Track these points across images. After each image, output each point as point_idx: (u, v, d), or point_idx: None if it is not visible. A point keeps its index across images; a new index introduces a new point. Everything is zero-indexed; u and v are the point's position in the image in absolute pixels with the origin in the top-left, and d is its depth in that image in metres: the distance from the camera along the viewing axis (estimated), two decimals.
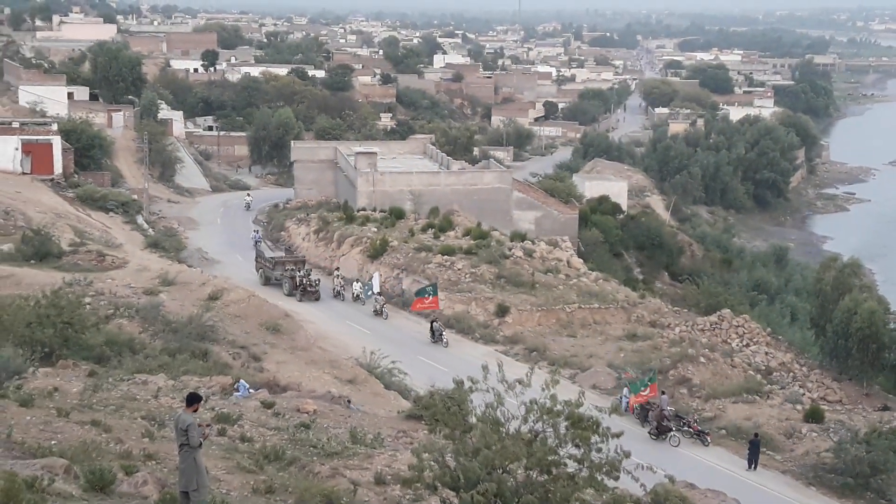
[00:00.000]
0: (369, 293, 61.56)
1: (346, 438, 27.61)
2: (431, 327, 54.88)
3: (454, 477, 18.67)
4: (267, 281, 63.95)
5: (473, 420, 19.55)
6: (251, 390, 34.45)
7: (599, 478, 18.86)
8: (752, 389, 47.02)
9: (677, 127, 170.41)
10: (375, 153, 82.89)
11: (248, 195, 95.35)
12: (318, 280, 63.66)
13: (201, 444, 14.95)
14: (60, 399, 26.70)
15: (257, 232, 78.44)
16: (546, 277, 63.73)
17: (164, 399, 28.73)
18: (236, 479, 20.49)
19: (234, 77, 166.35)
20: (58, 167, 74.42)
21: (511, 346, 53.99)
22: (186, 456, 14.30)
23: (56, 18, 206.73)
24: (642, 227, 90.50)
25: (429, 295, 57.48)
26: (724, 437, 42.74)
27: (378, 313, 59.32)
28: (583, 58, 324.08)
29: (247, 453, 23.82)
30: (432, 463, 19.41)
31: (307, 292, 61.77)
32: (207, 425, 15.90)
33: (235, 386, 34.34)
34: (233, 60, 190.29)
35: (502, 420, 19.12)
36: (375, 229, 71.75)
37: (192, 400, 14.80)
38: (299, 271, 63.05)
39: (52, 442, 20.24)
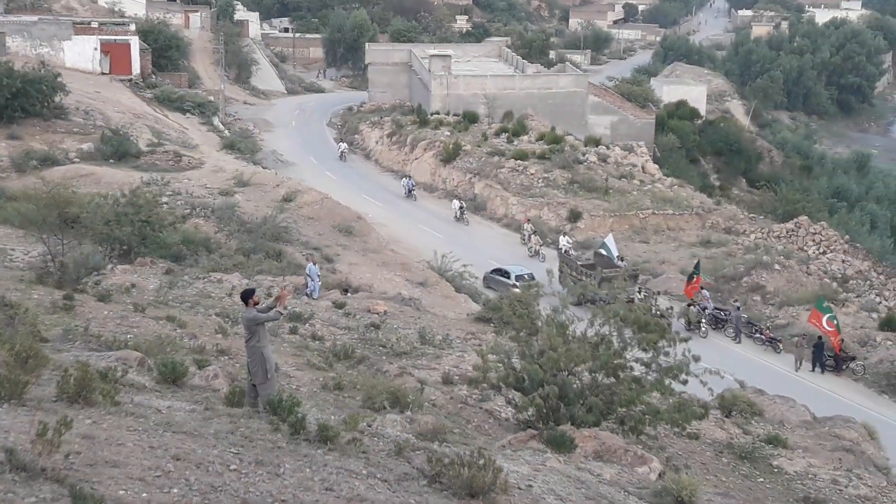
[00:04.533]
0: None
1: (415, 339, 27.94)
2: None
3: (519, 378, 18.84)
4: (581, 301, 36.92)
5: (540, 323, 19.62)
6: (318, 275, 34.79)
7: (666, 382, 18.90)
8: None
9: (761, 30, 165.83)
10: (450, 56, 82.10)
11: (408, 178, 67.40)
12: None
13: (282, 313, 15.16)
14: (137, 295, 27.34)
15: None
16: (620, 183, 63.06)
17: (238, 297, 29.21)
18: (306, 375, 20.87)
19: None
20: (136, 67, 75.05)
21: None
22: (254, 350, 14.54)
23: None
24: (721, 133, 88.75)
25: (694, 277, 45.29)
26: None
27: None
28: None
29: (317, 351, 24.26)
30: (498, 364, 19.58)
31: None
32: (284, 287, 16.12)
33: (307, 270, 34.79)
34: None
35: (568, 323, 19.16)
36: (449, 133, 71.42)
37: (246, 296, 14.95)
38: (639, 291, 44.07)
39: (129, 336, 20.73)
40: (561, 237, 52.97)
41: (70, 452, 9.69)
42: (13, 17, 76.28)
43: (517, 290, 42.21)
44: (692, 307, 42.49)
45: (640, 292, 43.85)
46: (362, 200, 59.53)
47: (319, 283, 34.49)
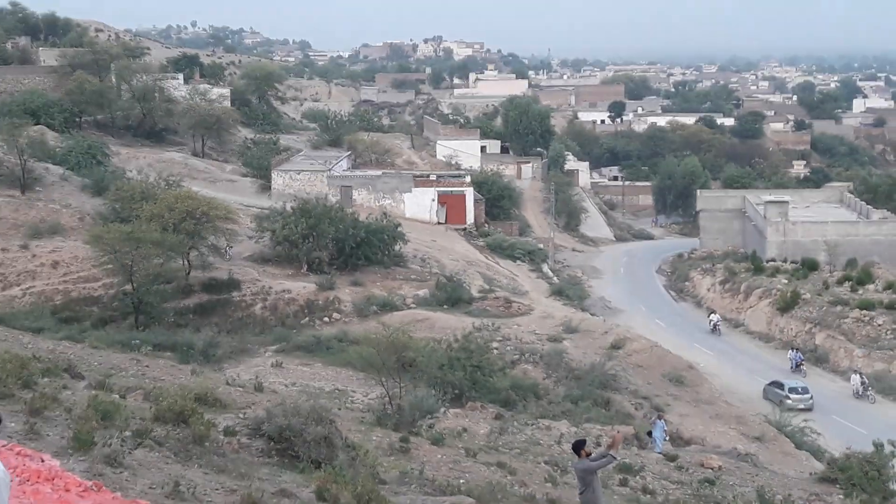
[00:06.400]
0: None
1: (754, 498, 26.39)
2: None
3: None
4: None
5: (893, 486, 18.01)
6: (665, 429, 34.21)
7: None
8: None
9: None
10: (787, 202, 79.88)
11: (795, 350, 58.03)
12: None
13: (615, 457, 15.54)
14: (469, 439, 27.64)
15: None
16: None
17: (567, 445, 28.88)
18: None
19: (640, 127, 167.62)
20: (470, 217, 78.24)
21: None
22: (587, 502, 14.22)
23: (472, 76, 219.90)
24: None
25: None
26: None
27: None
28: None
29: None
30: None
31: None
32: (616, 432, 16.15)
33: (652, 420, 34.25)
34: (639, 111, 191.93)
35: None
36: (786, 281, 68.89)
37: (578, 447, 14.81)
38: None
39: (461, 480, 20.90)
40: None
41: None
42: (359, 172, 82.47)
43: (790, 401, 48.10)
44: None
45: None
46: (695, 350, 57.99)
47: (666, 437, 33.82)
